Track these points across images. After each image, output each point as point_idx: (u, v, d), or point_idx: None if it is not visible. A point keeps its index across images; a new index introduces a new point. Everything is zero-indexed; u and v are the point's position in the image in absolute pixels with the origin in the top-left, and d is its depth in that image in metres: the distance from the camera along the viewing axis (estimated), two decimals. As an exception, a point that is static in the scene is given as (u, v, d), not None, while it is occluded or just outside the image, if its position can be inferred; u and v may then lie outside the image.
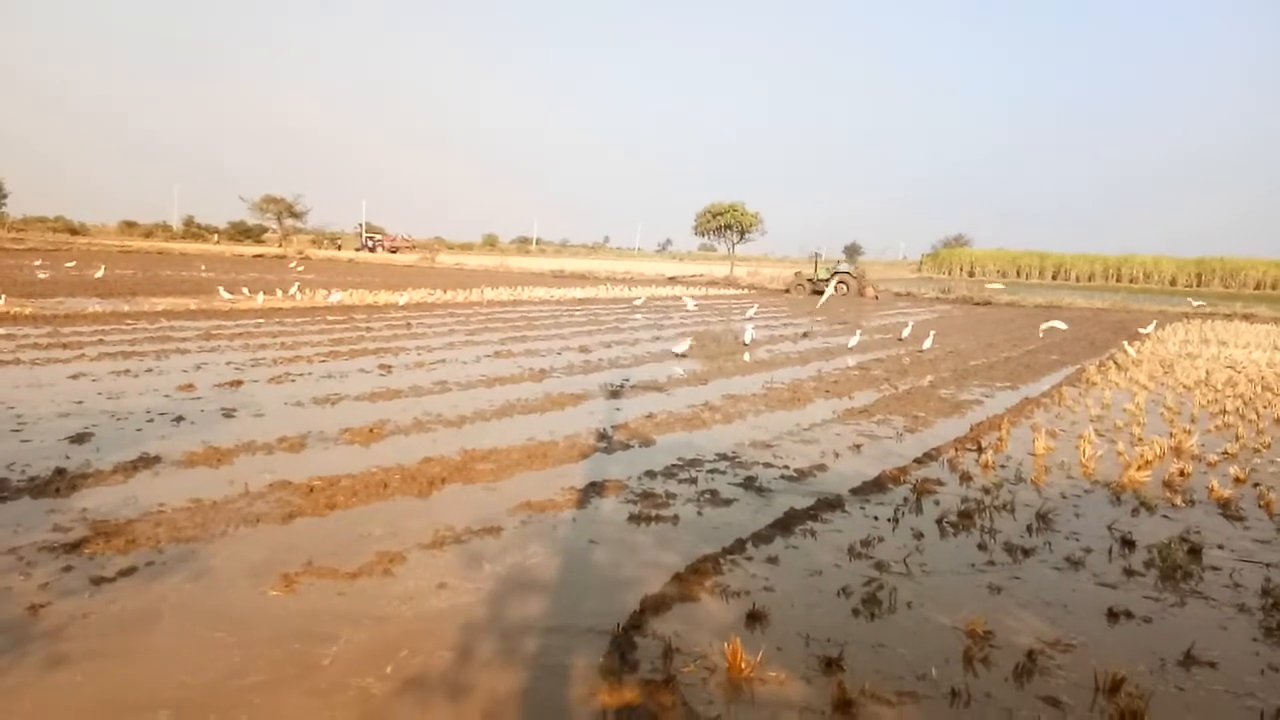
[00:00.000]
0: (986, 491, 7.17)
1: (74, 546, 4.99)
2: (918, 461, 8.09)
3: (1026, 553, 5.71)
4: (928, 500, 6.85)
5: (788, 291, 43.73)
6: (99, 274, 28.70)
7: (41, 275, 27.54)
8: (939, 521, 6.29)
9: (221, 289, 22.96)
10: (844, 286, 41.24)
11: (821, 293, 41.28)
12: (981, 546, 5.82)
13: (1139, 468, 7.85)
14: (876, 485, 7.18)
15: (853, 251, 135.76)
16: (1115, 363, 16.73)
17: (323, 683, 3.67)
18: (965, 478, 7.59)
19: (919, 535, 5.98)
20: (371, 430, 8.19)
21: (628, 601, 4.61)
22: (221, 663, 3.80)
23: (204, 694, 3.54)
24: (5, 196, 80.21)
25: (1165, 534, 6.22)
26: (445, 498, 6.36)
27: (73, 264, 34.52)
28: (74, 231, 73.67)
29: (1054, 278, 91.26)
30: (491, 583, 4.85)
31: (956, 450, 8.55)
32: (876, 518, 6.35)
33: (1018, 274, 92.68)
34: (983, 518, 6.42)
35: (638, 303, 29.01)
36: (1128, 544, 5.98)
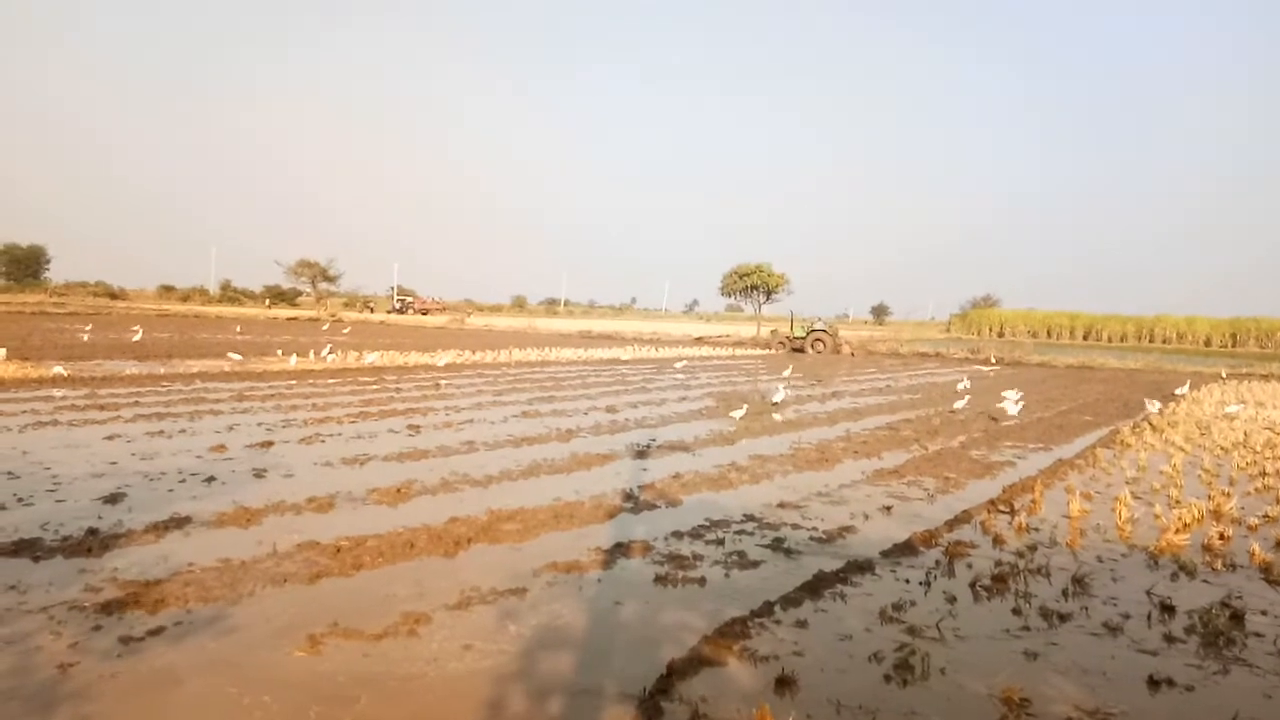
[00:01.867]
0: (1020, 555, 7.03)
1: (104, 607, 5.03)
2: (949, 524, 7.97)
3: (1063, 618, 5.57)
4: (960, 563, 6.73)
5: (768, 348, 45.36)
6: (136, 337, 29.28)
7: (83, 338, 28.18)
8: (972, 585, 6.17)
9: (232, 353, 23.34)
10: (820, 344, 43.00)
11: (802, 350, 42.50)
12: (1016, 611, 5.69)
13: (1177, 531, 7.67)
14: (907, 548, 7.08)
15: (880, 312, 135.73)
16: (1150, 424, 16.45)
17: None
18: (998, 540, 7.46)
19: (951, 599, 5.86)
20: (399, 490, 8.23)
21: (654, 665, 4.54)
22: (246, 724, 3.79)
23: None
24: (48, 262, 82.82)
25: (1206, 599, 6.05)
26: (471, 558, 6.35)
27: (92, 327, 35.23)
28: (114, 296, 75.58)
29: (1085, 338, 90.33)
30: (517, 644, 4.81)
31: (989, 512, 8.41)
32: (908, 581, 6.25)
33: (1048, 334, 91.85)
34: (1017, 581, 6.29)
35: (679, 365, 29.18)
36: (1167, 609, 5.82)
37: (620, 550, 6.67)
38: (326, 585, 5.60)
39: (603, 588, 5.85)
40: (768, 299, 62.94)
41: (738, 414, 14.74)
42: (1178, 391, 24.82)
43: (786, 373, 27.94)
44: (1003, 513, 8.50)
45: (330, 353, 24.56)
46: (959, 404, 18.30)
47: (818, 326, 45.15)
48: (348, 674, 4.33)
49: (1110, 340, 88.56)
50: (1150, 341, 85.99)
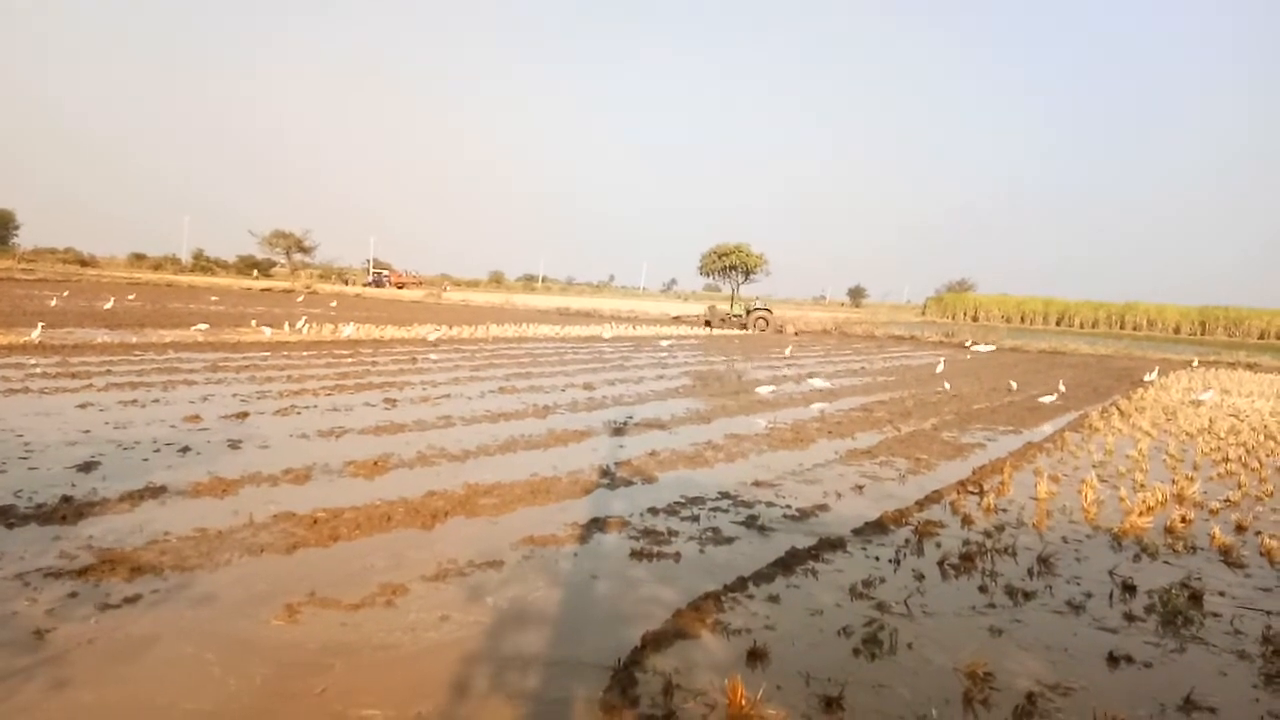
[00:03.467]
0: (988, 535, 7.18)
1: (80, 573, 5.03)
2: (919, 503, 8.11)
3: (1027, 596, 5.72)
4: (929, 542, 6.86)
5: (708, 324, 45.48)
6: (108, 305, 28.85)
7: (51, 303, 27.74)
8: (940, 563, 6.30)
9: (200, 323, 22.92)
10: (763, 322, 44.60)
11: (745, 327, 43.29)
12: (982, 589, 5.83)
13: (1141, 514, 7.85)
14: (878, 526, 7.20)
15: (857, 294, 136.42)
16: (1119, 409, 16.75)
17: (324, 713, 3.69)
18: (967, 520, 7.61)
19: (920, 577, 5.99)
20: (376, 463, 8.24)
21: (629, 637, 4.62)
22: (222, 690, 3.83)
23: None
24: (18, 228, 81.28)
25: (1166, 580, 6.22)
26: (448, 531, 6.39)
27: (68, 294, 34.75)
28: (84, 263, 74.20)
29: (1058, 324, 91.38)
30: (493, 616, 4.87)
31: (959, 493, 8.56)
32: (878, 558, 6.37)
33: (1022, 319, 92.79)
34: (984, 560, 6.43)
35: (664, 344, 29.22)
36: (1129, 589, 5.99)
37: (596, 525, 6.74)
38: (303, 556, 5.62)
39: (579, 562, 5.91)
40: (746, 279, 63.15)
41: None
42: (1146, 378, 25.23)
43: (787, 350, 28.19)
44: (972, 493, 8.65)
45: (305, 324, 24.35)
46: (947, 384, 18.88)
47: (757, 306, 46.39)
48: (325, 643, 4.37)
49: (1083, 326, 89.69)
50: (1122, 328, 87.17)
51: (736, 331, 43.07)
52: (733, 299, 49.26)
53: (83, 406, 10.37)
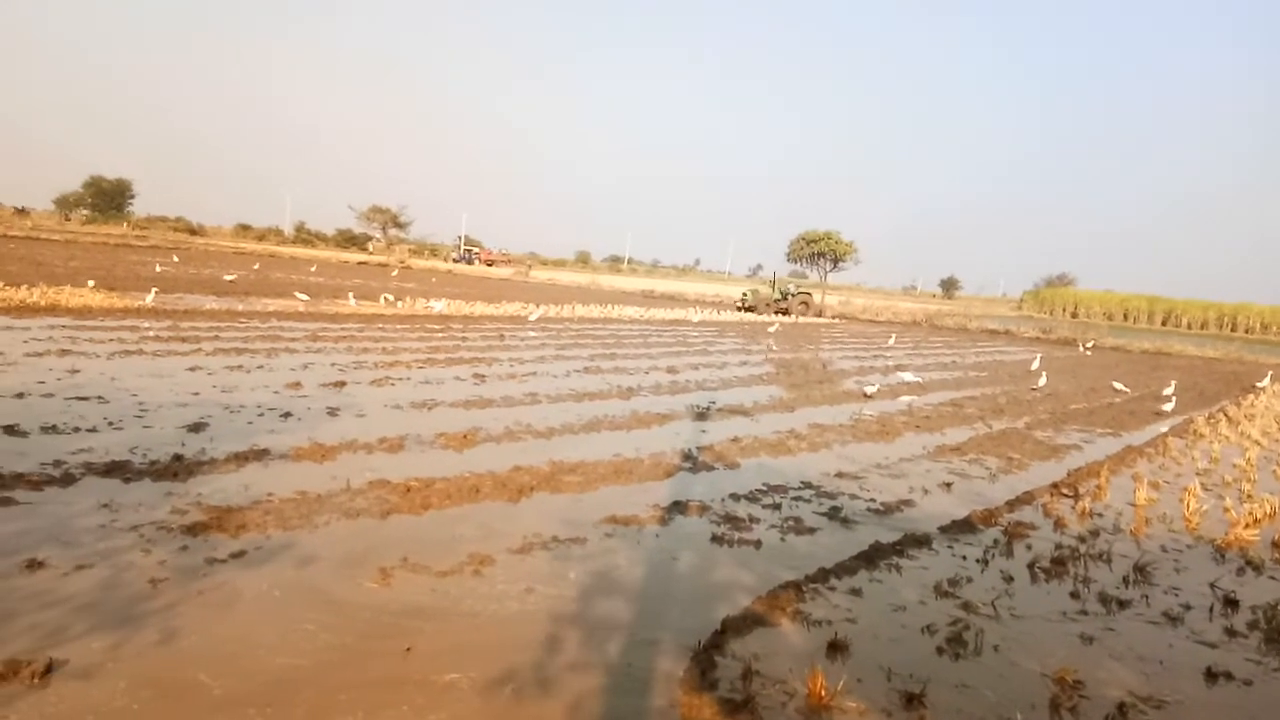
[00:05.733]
0: (1082, 539, 6.95)
1: (190, 529, 5.33)
2: (1010, 504, 7.90)
3: (1122, 604, 5.53)
4: (1019, 544, 6.69)
5: (752, 309, 42.57)
6: (230, 277, 29.74)
7: (156, 269, 29.11)
8: (1030, 566, 6.14)
9: (300, 294, 23.82)
10: (805, 306, 43.46)
11: (787, 311, 41.83)
12: (1074, 595, 5.66)
13: (1246, 526, 7.49)
14: (966, 525, 7.05)
15: (949, 285, 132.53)
16: (1226, 415, 15.94)
17: (408, 672, 3.84)
18: (1060, 523, 7.38)
19: (1009, 579, 5.85)
20: (465, 436, 8.47)
21: (708, 620, 4.66)
22: (316, 644, 4.03)
23: (305, 676, 3.75)
24: (133, 197, 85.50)
25: (1272, 596, 5.93)
26: (533, 505, 6.54)
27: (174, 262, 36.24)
28: (193, 232, 77.99)
29: (1163, 323, 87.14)
30: (575, 590, 4.97)
31: (1052, 495, 8.31)
32: (965, 558, 6.25)
33: (1124, 317, 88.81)
34: (1077, 566, 6.24)
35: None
36: (1231, 603, 5.73)
37: (677, 508, 6.79)
38: (396, 522, 5.84)
39: (660, 542, 5.98)
40: (834, 267, 61.96)
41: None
42: (1258, 384, 23.91)
43: (890, 340, 27.77)
44: (1066, 496, 8.39)
45: (392, 298, 25.03)
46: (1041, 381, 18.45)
47: (795, 289, 44.89)
48: (414, 606, 4.54)
49: (1190, 327, 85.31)
50: (1233, 330, 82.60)
51: (777, 318, 39.62)
52: (774, 282, 46.68)
53: (192, 370, 10.93)
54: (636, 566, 5.47)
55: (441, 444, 8.16)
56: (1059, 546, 6.66)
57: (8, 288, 17.37)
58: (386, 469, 7.06)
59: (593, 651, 4.22)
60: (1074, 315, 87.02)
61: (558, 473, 7.45)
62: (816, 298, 47.84)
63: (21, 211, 75.13)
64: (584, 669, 4.03)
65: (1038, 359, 24.41)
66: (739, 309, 43.23)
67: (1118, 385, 19.66)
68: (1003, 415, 13.75)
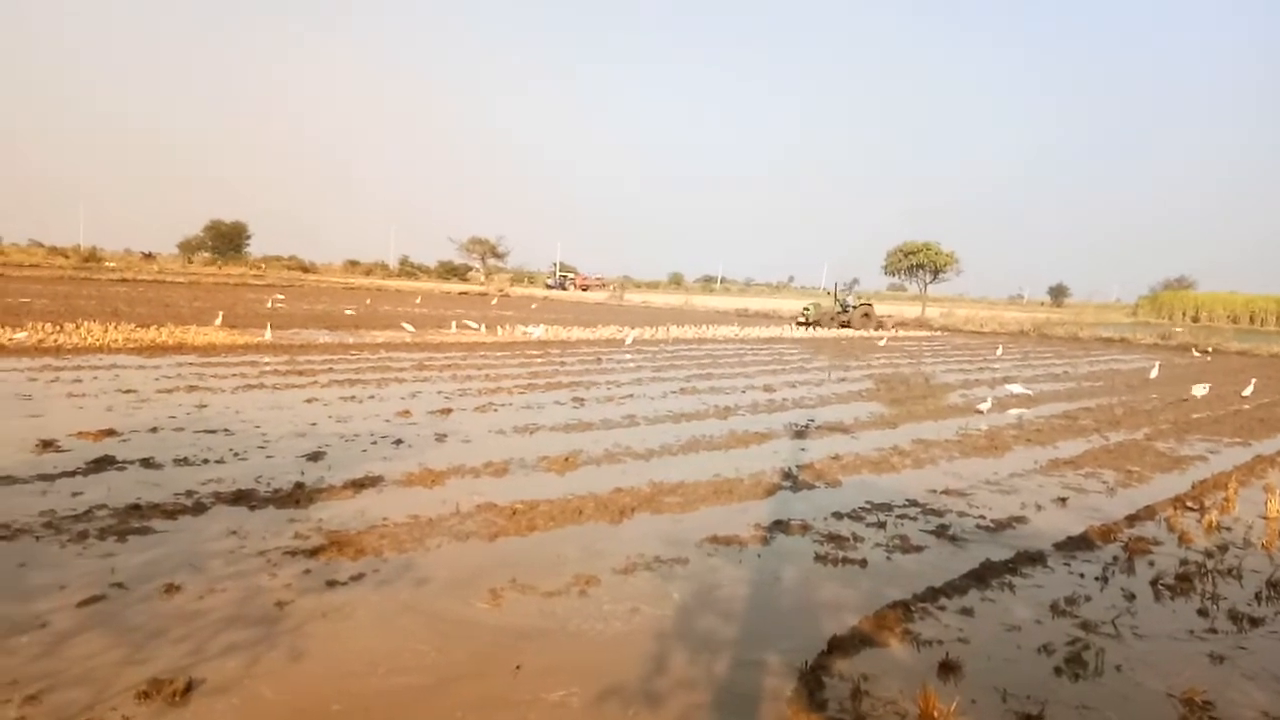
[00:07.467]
0: (1209, 555, 6.60)
1: (312, 553, 5.62)
2: (1130, 519, 7.56)
3: (1254, 622, 5.23)
4: (1141, 560, 6.40)
5: (816, 323, 39.72)
6: (349, 311, 31.33)
7: (267, 305, 30.72)
8: (1154, 583, 5.87)
9: (405, 324, 24.89)
10: (866, 319, 41.49)
11: (849, 325, 39.80)
12: (1202, 612, 5.38)
13: (1400, 540, 6.97)
14: (1082, 541, 6.79)
15: (1058, 293, 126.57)
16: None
17: (517, 690, 3.96)
18: (1184, 539, 7.02)
19: (1130, 596, 5.61)
20: (566, 459, 8.65)
21: (814, 639, 4.63)
22: (431, 663, 4.19)
23: (422, 694, 3.91)
24: (249, 238, 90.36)
25: None
26: (635, 526, 6.63)
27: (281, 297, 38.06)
28: (305, 269, 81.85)
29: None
30: (679, 609, 5.02)
31: (1175, 509, 7.91)
32: (1082, 575, 6.01)
33: (1251, 320, 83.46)
34: (1204, 582, 5.93)
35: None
36: (1382, 623, 5.35)
37: (779, 527, 6.76)
38: (503, 544, 6.01)
39: (762, 562, 5.97)
40: (934, 278, 60.38)
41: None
42: None
43: (997, 351, 27.04)
44: (1190, 510, 7.97)
45: (484, 326, 25.82)
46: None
47: (855, 301, 42.66)
48: (523, 626, 4.67)
49: (1327, 328, 79.52)
50: (1378, 330, 76.58)
51: (840, 332, 37.90)
52: (835, 294, 44.11)
53: (309, 401, 11.49)
54: (739, 586, 5.49)
55: (544, 467, 8.36)
56: (1184, 562, 6.34)
57: (139, 329, 18.63)
58: (493, 492, 7.28)
59: (698, 670, 4.26)
60: (1195, 320, 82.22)
61: (658, 493, 7.53)
62: (914, 311, 46.66)
63: (149, 256, 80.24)
64: (690, 688, 4.07)
65: (1156, 366, 23.27)
66: (800, 324, 40.44)
67: (1245, 392, 18.56)
68: (1120, 426, 13.15)
